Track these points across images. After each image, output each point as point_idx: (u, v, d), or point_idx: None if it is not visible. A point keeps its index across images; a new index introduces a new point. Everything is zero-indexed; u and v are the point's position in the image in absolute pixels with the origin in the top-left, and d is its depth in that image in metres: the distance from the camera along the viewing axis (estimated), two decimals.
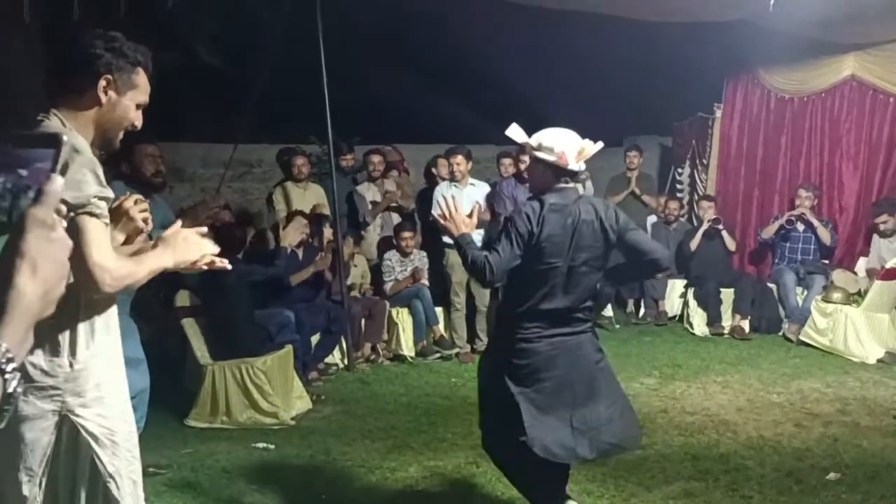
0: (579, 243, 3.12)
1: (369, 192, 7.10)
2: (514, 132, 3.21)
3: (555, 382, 3.16)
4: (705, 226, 7.69)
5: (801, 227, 7.54)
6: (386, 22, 8.24)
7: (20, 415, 1.89)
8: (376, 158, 7.19)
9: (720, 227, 7.69)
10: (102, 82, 1.97)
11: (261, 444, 4.55)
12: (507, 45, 8.81)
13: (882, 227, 7.08)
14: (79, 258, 1.81)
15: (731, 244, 7.77)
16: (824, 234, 7.40)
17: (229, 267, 2.23)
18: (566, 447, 3.13)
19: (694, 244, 7.69)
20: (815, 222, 7.43)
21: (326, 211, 6.50)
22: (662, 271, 3.60)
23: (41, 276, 0.94)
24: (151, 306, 5.39)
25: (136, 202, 2.25)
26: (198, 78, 8.66)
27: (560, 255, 3.10)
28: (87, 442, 1.96)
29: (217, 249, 2.19)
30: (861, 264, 7.34)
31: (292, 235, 5.84)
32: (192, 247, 2.12)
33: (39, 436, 1.91)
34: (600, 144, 3.20)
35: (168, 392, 5.00)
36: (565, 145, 3.12)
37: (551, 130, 3.20)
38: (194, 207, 4.69)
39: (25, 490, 1.92)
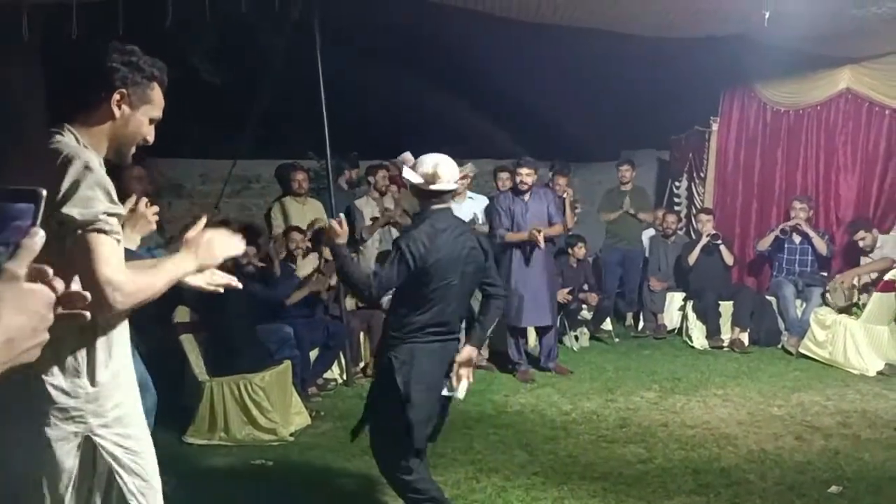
0: (466, 258, 3.31)
1: (367, 208, 7.09)
2: (405, 159, 3.43)
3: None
4: (704, 240, 7.70)
5: (797, 238, 7.56)
6: (383, 38, 8.27)
7: (44, 438, 1.87)
8: (381, 173, 7.16)
9: (719, 242, 7.69)
10: (117, 96, 1.95)
11: (259, 461, 4.53)
12: (505, 61, 8.84)
13: (861, 243, 7.15)
14: (88, 276, 1.77)
15: (728, 259, 7.78)
16: (820, 245, 7.41)
17: (239, 286, 2.21)
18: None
19: (692, 259, 7.69)
20: (811, 233, 7.44)
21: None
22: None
23: (3, 324, 0.96)
24: (149, 322, 5.37)
25: (147, 204, 2.24)
26: (196, 94, 8.69)
27: (454, 272, 3.27)
28: (108, 463, 1.94)
29: (243, 248, 2.15)
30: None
31: (307, 267, 5.94)
32: (217, 247, 2.07)
33: (63, 458, 1.88)
34: (470, 165, 3.31)
35: (166, 409, 4.94)
36: (435, 169, 3.29)
37: (426, 156, 3.39)
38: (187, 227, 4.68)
39: None
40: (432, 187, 3.29)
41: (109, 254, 1.83)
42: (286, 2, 5.75)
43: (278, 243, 6.19)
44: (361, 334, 6.40)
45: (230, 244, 2.10)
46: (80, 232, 1.80)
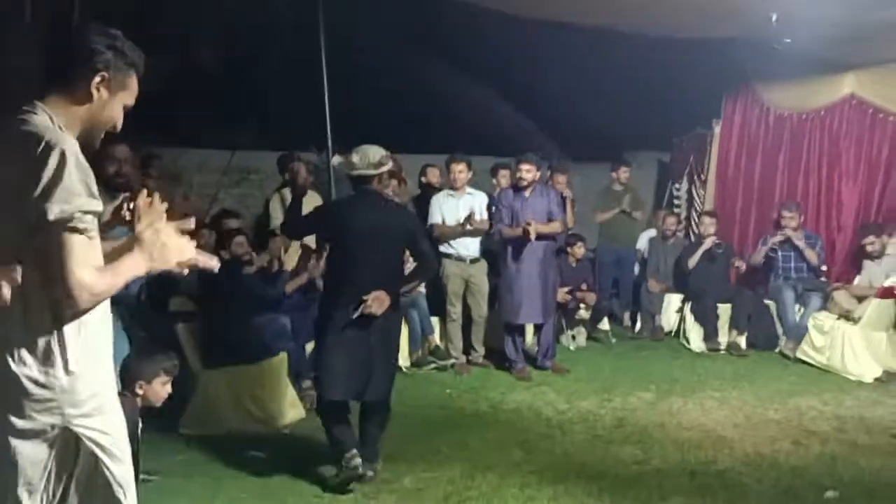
0: (383, 231, 4.01)
1: None
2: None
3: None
4: (707, 245, 7.67)
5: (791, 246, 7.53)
6: (385, 31, 8.24)
7: (19, 430, 1.85)
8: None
9: (720, 251, 7.68)
10: (97, 79, 1.94)
11: (253, 452, 4.50)
12: (507, 59, 8.81)
13: (869, 248, 7.12)
14: (58, 273, 1.79)
15: (739, 262, 7.78)
16: (811, 256, 7.38)
17: (216, 265, 2.10)
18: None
19: (692, 262, 7.67)
20: (801, 245, 7.39)
21: None
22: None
23: None
24: (145, 311, 5.33)
25: (147, 198, 2.13)
26: (196, 84, 8.64)
27: (367, 241, 3.96)
28: (91, 451, 1.93)
29: (194, 253, 2.03)
30: (856, 282, 7.32)
31: (294, 258, 5.86)
32: (171, 251, 1.98)
33: (38, 450, 1.88)
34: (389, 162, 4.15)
35: None
36: (352, 158, 4.11)
37: (359, 147, 4.15)
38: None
39: (26, 502, 1.88)
40: (353, 173, 4.11)
41: (82, 253, 1.82)
42: None
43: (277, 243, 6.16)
44: None
45: (184, 247, 2.01)
46: (55, 229, 1.78)
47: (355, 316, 3.90)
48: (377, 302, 3.92)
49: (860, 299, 6.85)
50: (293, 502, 3.90)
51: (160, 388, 3.31)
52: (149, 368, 3.30)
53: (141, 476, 3.16)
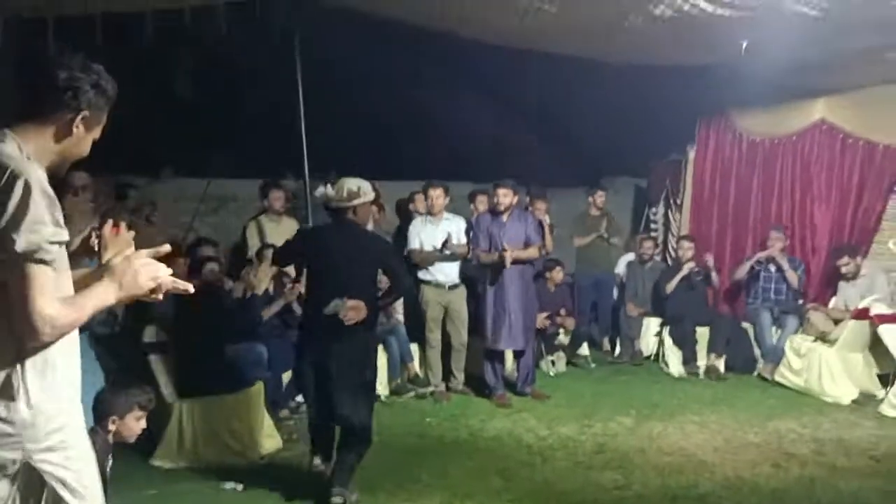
0: (354, 256, 4.21)
1: None
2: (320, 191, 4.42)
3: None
4: (685, 271, 7.72)
5: (772, 267, 7.61)
6: (361, 60, 8.27)
7: None
8: None
9: (699, 277, 7.74)
10: (79, 117, 1.94)
11: (229, 485, 4.41)
12: (483, 86, 8.88)
13: (844, 269, 7.20)
14: (21, 304, 1.76)
15: (717, 282, 7.89)
16: (792, 277, 7.46)
17: (191, 289, 2.04)
18: None
19: (670, 288, 7.71)
20: (784, 265, 7.48)
21: None
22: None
23: None
24: (116, 341, 5.25)
25: (113, 228, 2.08)
26: (173, 112, 8.61)
27: (338, 265, 4.20)
28: (53, 489, 1.88)
29: (169, 272, 1.98)
30: (832, 304, 7.40)
31: (264, 282, 5.81)
32: (141, 279, 1.91)
33: (0, 485, 1.84)
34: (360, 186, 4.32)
35: None
36: (329, 190, 4.33)
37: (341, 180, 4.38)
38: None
39: None
40: (329, 205, 4.34)
41: (46, 285, 1.79)
42: (266, 22, 5.75)
43: (255, 266, 6.10)
44: None
45: (156, 271, 1.95)
46: (20, 260, 1.76)
47: (327, 311, 4.06)
48: (354, 310, 4.08)
49: (836, 322, 6.91)
50: None
51: (134, 424, 3.23)
52: (122, 403, 3.21)
53: None
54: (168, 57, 8.25)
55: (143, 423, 3.26)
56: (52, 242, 1.79)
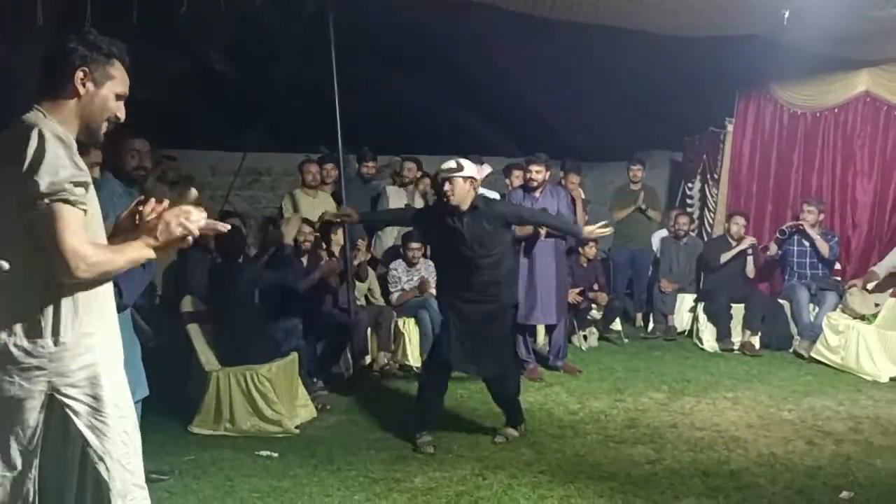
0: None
1: (396, 196, 7.20)
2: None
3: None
4: (744, 246, 7.60)
5: (806, 242, 7.46)
6: (397, 33, 8.23)
7: (6, 395, 1.92)
8: (412, 165, 7.43)
9: (750, 254, 7.64)
10: (79, 74, 2.04)
11: (264, 452, 4.50)
12: (520, 58, 8.78)
13: None
14: (52, 244, 1.86)
15: (751, 271, 7.73)
16: (822, 247, 7.31)
17: (227, 228, 2.15)
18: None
19: (724, 258, 7.61)
20: (814, 235, 7.33)
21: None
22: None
23: None
24: (157, 312, 5.36)
25: (155, 208, 2.09)
26: (209, 86, 8.69)
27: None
28: (75, 421, 1.97)
29: (205, 215, 2.09)
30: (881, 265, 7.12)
31: (290, 233, 5.89)
32: (173, 226, 2.02)
33: (27, 416, 1.94)
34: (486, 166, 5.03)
35: (171, 398, 4.98)
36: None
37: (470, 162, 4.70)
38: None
39: (19, 465, 1.95)
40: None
41: (74, 223, 1.89)
42: None
43: (286, 225, 6.23)
44: (369, 330, 6.36)
45: (190, 216, 2.05)
46: (46, 201, 1.85)
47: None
48: None
49: (875, 304, 6.76)
50: (304, 503, 3.90)
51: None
52: None
53: (152, 475, 3.18)
54: (204, 30, 8.30)
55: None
56: (73, 183, 1.89)
